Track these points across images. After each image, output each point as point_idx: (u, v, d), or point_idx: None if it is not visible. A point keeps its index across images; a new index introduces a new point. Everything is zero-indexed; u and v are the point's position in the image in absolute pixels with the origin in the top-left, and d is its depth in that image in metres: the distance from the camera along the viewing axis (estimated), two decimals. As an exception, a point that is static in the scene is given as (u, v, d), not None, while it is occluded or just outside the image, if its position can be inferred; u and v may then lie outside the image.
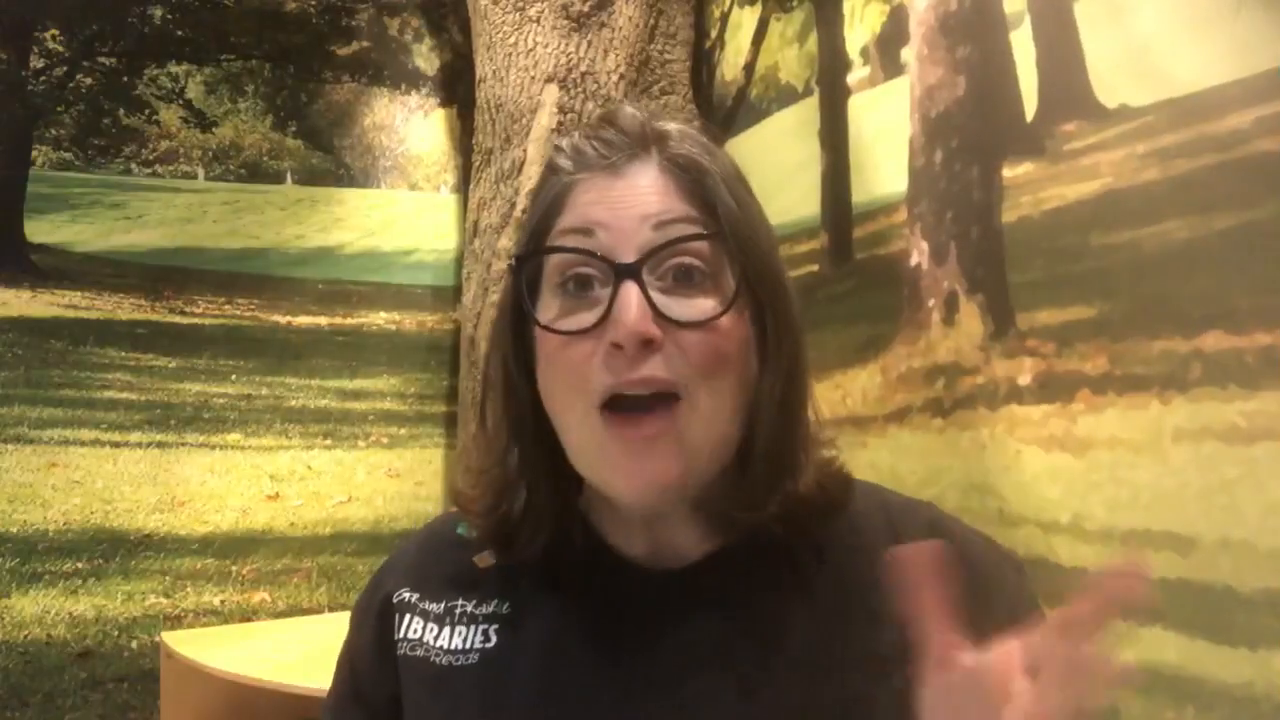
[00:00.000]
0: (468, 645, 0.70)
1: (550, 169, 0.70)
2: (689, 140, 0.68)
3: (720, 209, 0.65)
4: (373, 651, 0.75)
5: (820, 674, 0.64)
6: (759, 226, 0.68)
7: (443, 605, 0.72)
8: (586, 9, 2.07)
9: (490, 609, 0.71)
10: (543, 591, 0.71)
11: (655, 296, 0.62)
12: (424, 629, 0.72)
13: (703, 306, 0.63)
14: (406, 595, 0.74)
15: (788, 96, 2.77)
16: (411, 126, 5.42)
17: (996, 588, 0.67)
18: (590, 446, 0.64)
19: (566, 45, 2.07)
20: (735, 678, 0.65)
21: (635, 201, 0.65)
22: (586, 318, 0.63)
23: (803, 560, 0.68)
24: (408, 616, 0.73)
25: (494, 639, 0.70)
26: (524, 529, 0.69)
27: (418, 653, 0.72)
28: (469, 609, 0.72)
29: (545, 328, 0.65)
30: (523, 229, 0.70)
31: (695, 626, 0.65)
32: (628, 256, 0.63)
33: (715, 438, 0.64)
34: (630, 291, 0.62)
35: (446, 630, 0.71)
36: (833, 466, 0.70)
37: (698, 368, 0.62)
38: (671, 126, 0.68)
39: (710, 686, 0.64)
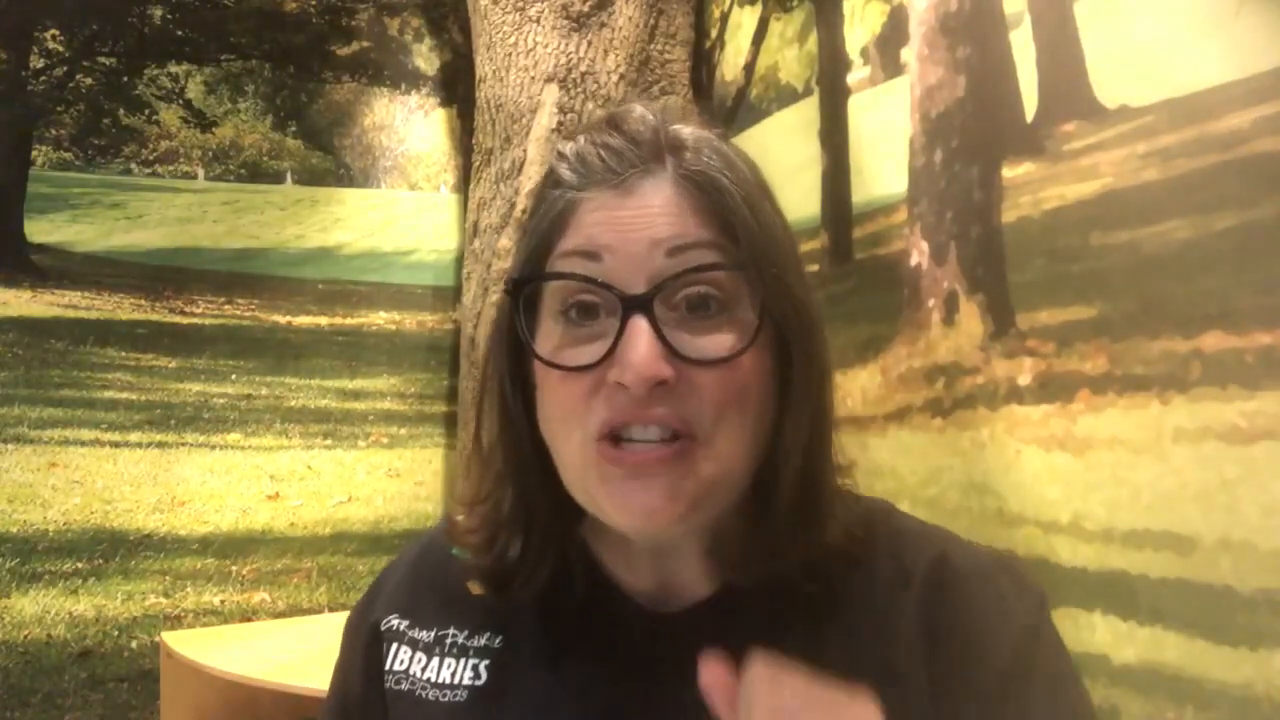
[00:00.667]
0: (456, 680, 0.67)
1: (552, 180, 0.63)
2: (707, 150, 0.61)
3: (741, 232, 0.58)
4: (362, 680, 0.72)
5: None
6: (783, 249, 0.61)
7: (433, 634, 0.69)
8: (586, 9, 2.07)
9: (483, 641, 0.68)
10: (538, 628, 0.66)
11: (667, 331, 0.56)
12: (411, 660, 0.69)
13: (720, 342, 0.57)
14: (395, 623, 0.70)
15: (788, 96, 2.77)
16: (411, 126, 5.41)
17: (1000, 624, 0.62)
18: (588, 474, 0.59)
19: (566, 45, 2.07)
20: None
21: (646, 224, 0.58)
22: (590, 351, 0.58)
23: (815, 608, 0.63)
24: (396, 646, 0.70)
25: (484, 676, 0.66)
26: (520, 572, 0.65)
27: (403, 686, 0.68)
28: (459, 640, 0.68)
29: (545, 361, 0.59)
30: (521, 247, 0.64)
31: (694, 680, 0.57)
32: (637, 286, 0.57)
33: (727, 475, 0.59)
34: (639, 327, 0.56)
35: (435, 661, 0.68)
36: (854, 512, 0.64)
37: (713, 408, 0.57)
38: (687, 133, 0.62)
39: None
